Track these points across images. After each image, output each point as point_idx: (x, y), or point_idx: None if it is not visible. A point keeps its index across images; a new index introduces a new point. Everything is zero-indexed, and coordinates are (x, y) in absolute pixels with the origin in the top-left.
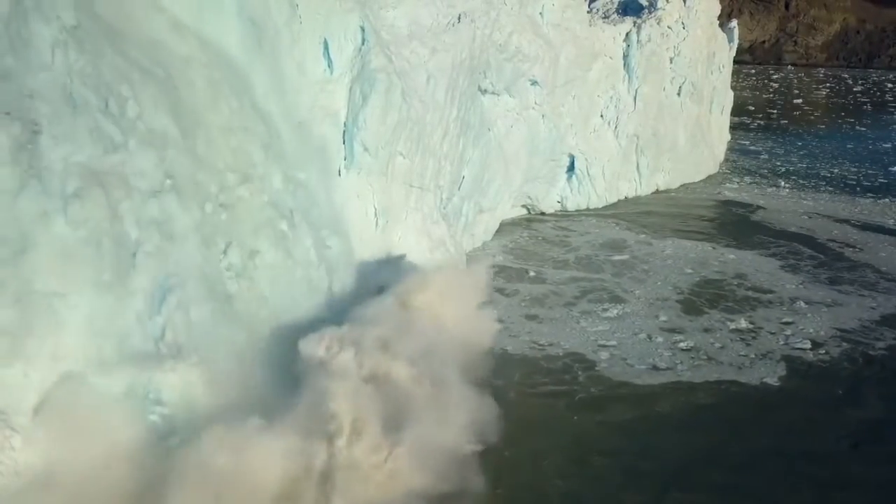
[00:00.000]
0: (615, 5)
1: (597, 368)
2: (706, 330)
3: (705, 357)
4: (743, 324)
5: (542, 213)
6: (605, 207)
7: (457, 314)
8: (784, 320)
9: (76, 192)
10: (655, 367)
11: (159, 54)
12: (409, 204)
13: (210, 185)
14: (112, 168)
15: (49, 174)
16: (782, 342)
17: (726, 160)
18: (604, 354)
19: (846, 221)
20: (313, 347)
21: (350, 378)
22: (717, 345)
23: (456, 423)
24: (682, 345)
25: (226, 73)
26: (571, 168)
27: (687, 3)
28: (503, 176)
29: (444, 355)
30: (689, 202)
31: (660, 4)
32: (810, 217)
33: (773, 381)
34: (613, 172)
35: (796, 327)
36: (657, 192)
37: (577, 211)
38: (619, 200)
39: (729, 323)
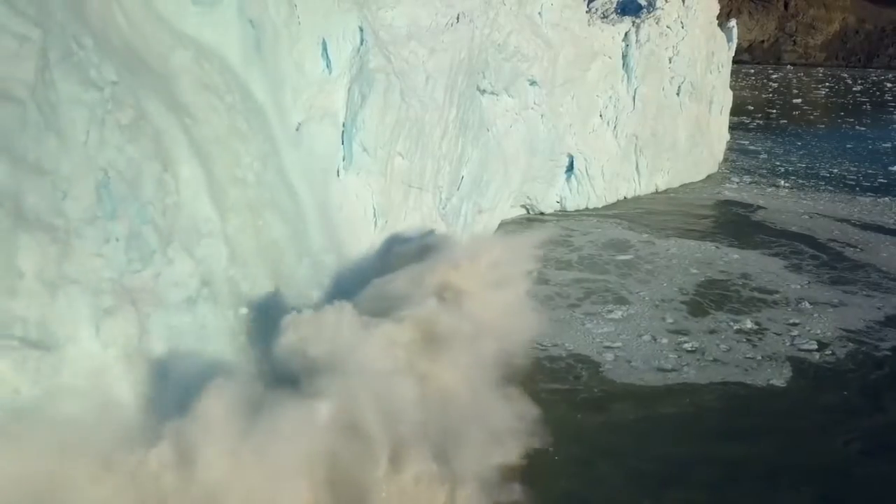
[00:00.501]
0: (614, 5)
1: (601, 370)
2: (712, 331)
3: (711, 358)
4: (748, 325)
5: (542, 214)
6: (604, 207)
7: (497, 299)
8: (789, 321)
9: (108, 310)
10: (661, 369)
11: (184, 97)
12: (408, 204)
13: (241, 283)
14: (145, 284)
15: (79, 288)
16: (788, 343)
17: (726, 160)
18: (609, 356)
19: (846, 221)
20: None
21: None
22: (723, 346)
23: (499, 439)
24: (687, 346)
25: (253, 122)
26: (570, 168)
27: (686, 2)
28: (502, 176)
29: (483, 352)
30: (690, 202)
31: (658, 4)
32: (811, 217)
33: (779, 382)
34: (612, 172)
35: (802, 328)
36: (656, 191)
37: (576, 211)
38: (619, 200)
39: (734, 324)
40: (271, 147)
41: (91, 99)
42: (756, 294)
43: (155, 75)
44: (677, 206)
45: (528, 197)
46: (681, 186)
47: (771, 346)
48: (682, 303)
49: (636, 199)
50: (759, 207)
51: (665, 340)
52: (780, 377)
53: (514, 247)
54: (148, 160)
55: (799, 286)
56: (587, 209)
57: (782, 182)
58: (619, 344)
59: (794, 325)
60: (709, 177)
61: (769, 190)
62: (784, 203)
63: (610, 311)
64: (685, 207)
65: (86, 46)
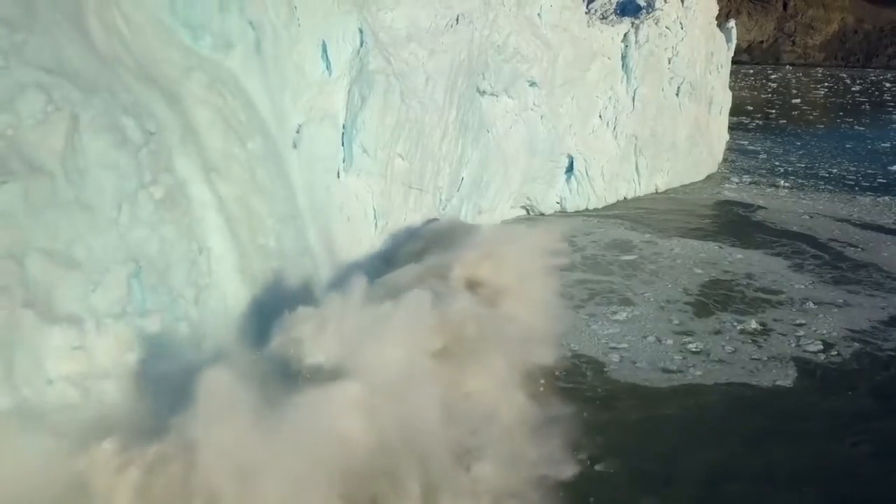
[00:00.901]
0: (613, 6)
1: (606, 371)
2: (717, 332)
3: (716, 359)
4: (753, 325)
5: (542, 214)
6: (604, 208)
7: (529, 296)
8: (795, 321)
9: None
10: (666, 370)
11: (206, 140)
12: (408, 205)
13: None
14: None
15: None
16: (794, 344)
17: (725, 160)
18: (614, 357)
19: (846, 221)
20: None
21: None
22: (729, 347)
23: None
24: (692, 347)
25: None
26: (570, 169)
27: (685, 3)
28: (502, 177)
29: (517, 357)
30: (690, 202)
31: (658, 5)
32: (811, 217)
33: (785, 383)
34: (612, 173)
35: (808, 328)
36: (656, 192)
37: (576, 211)
38: (619, 201)
39: (739, 324)
40: (291, 196)
41: (125, 164)
42: (760, 294)
43: (174, 111)
44: (678, 206)
45: (527, 198)
46: (680, 187)
47: (776, 346)
48: (687, 303)
49: (636, 199)
50: (760, 207)
51: (670, 342)
52: (786, 378)
53: (536, 239)
54: (181, 239)
55: (803, 286)
56: (587, 210)
57: (782, 182)
58: (624, 345)
59: (800, 325)
60: (708, 177)
61: (769, 190)
62: (784, 203)
63: (615, 313)
64: (686, 207)
65: (116, 94)
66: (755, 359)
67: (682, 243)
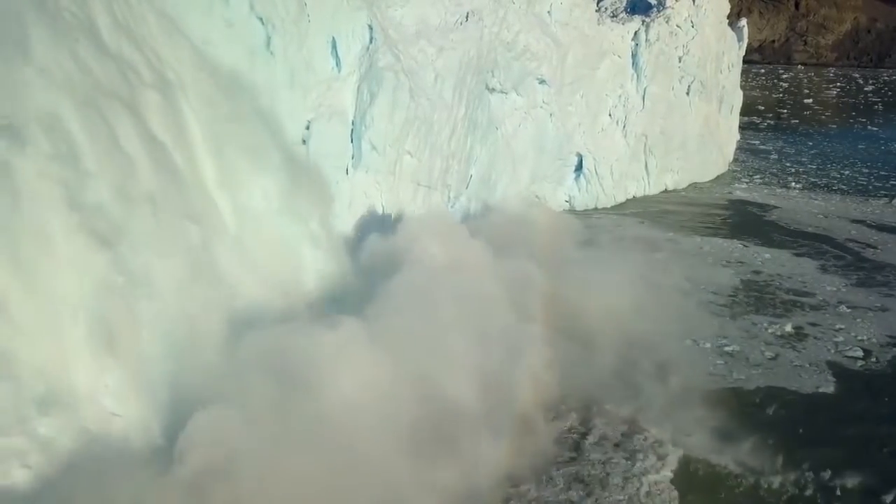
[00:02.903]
0: (623, 4)
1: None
2: (754, 336)
3: (756, 364)
4: (788, 328)
5: None
6: (613, 207)
7: None
8: (833, 326)
9: None
10: (709, 374)
11: None
12: (416, 202)
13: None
14: None
15: None
16: (833, 349)
17: (736, 160)
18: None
19: (861, 222)
20: None
21: None
22: (768, 353)
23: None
24: (729, 349)
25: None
26: (579, 167)
27: (696, 1)
28: (510, 175)
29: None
30: (703, 201)
31: (668, 3)
32: (826, 217)
33: (827, 389)
34: (621, 172)
35: (846, 333)
36: (666, 191)
37: (584, 210)
38: (628, 200)
39: (775, 328)
40: None
41: None
42: (793, 297)
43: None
44: (691, 205)
45: (536, 196)
46: (690, 186)
47: (815, 352)
48: (722, 305)
49: (645, 198)
50: (773, 207)
51: (708, 345)
52: (827, 384)
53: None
54: None
55: (833, 288)
56: (596, 208)
57: (793, 182)
58: (651, 345)
59: (838, 330)
60: (718, 177)
61: (780, 191)
62: (796, 203)
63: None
64: (700, 207)
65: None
66: (797, 365)
67: (706, 242)
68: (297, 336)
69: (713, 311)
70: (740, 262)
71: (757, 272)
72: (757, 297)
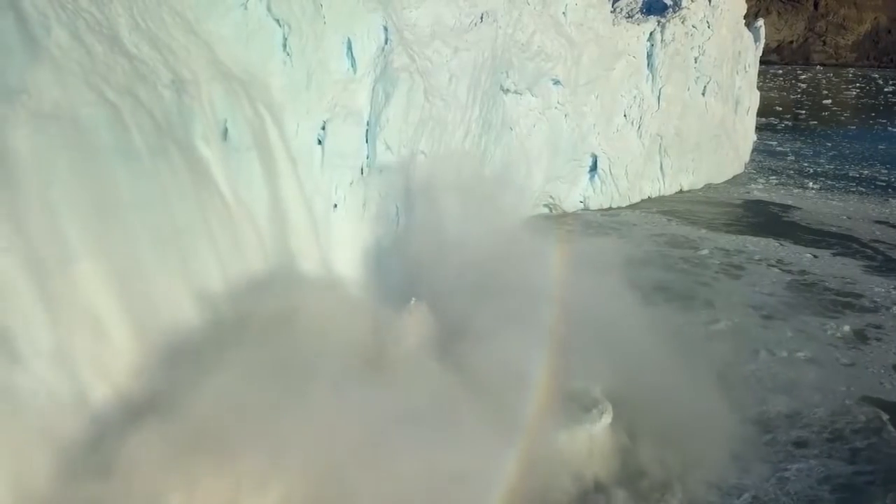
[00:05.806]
0: (639, 4)
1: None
2: (816, 339)
3: (825, 369)
4: (846, 329)
5: (565, 213)
6: (628, 207)
7: None
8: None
9: None
10: (783, 380)
11: None
12: None
13: None
14: None
15: None
16: None
17: (752, 161)
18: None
19: (884, 223)
20: None
21: None
22: (844, 359)
23: None
24: (800, 355)
25: None
26: (594, 168)
27: (712, 2)
28: (525, 175)
29: None
30: (720, 202)
31: (684, 3)
32: (849, 217)
33: None
34: (636, 172)
35: None
36: (681, 191)
37: (599, 210)
38: (643, 200)
39: (835, 331)
40: None
41: None
42: (849, 299)
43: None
44: (709, 205)
45: (550, 196)
46: (705, 187)
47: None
48: (779, 307)
49: (660, 198)
50: (792, 207)
51: (784, 354)
52: None
53: None
54: None
55: (882, 290)
56: (610, 209)
57: (810, 183)
58: (731, 359)
59: None
60: (734, 178)
61: (796, 191)
62: (815, 204)
63: (712, 322)
64: (719, 207)
65: None
66: (882, 371)
67: (742, 240)
68: None
69: (772, 314)
70: (786, 262)
71: (804, 272)
72: (814, 298)
